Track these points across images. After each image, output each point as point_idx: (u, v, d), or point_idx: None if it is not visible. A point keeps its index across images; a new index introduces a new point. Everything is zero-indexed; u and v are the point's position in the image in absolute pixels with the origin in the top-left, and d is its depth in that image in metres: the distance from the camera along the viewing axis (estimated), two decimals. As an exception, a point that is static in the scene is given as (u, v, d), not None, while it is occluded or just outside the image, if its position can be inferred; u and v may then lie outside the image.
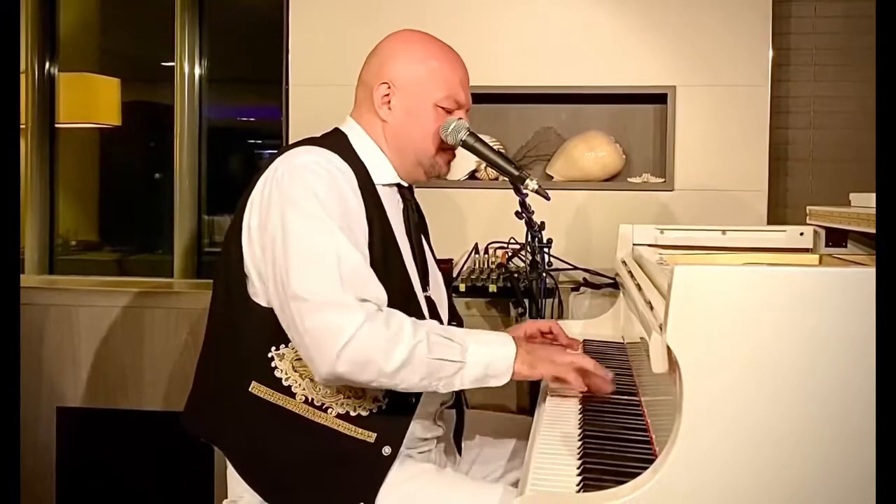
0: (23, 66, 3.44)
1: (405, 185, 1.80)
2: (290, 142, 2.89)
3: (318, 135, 1.77)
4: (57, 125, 3.56)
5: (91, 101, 3.62)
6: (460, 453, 1.83)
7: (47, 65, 3.53)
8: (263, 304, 1.59)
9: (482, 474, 1.85)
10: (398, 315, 1.52)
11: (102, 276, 3.40)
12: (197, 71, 3.43)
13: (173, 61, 3.38)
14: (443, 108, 1.74)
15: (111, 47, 3.81)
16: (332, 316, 1.46)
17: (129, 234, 3.78)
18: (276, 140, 3.31)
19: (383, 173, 1.74)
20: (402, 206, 1.79)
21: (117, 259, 3.69)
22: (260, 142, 3.79)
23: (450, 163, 1.82)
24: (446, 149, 1.78)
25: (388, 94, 1.73)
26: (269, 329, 1.57)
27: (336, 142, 1.70)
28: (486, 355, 1.54)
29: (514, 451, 1.87)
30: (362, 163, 1.69)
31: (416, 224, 1.81)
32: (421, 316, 1.67)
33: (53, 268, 3.52)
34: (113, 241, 3.78)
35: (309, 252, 1.50)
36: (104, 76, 3.67)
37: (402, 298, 1.62)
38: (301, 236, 1.51)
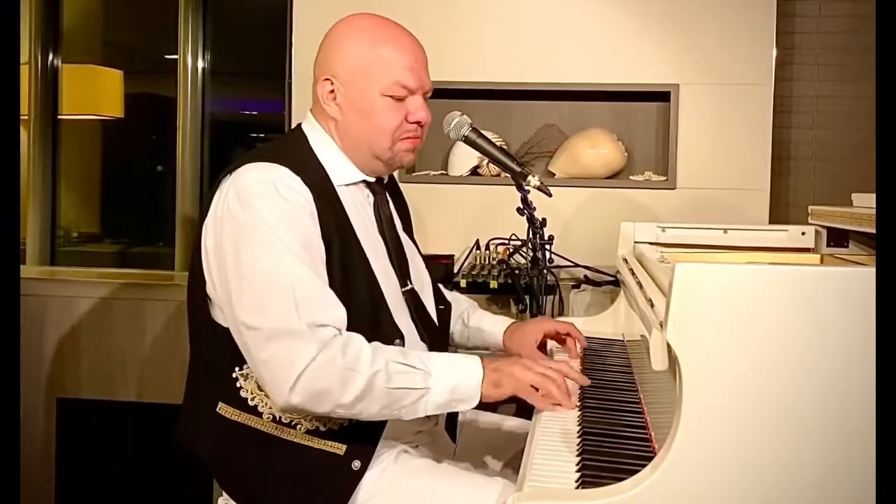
0: (26, 57, 3.44)
1: (371, 179, 1.72)
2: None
3: (283, 134, 1.73)
4: (60, 116, 3.56)
5: (94, 93, 3.62)
6: (454, 440, 1.83)
7: (51, 56, 3.53)
8: (225, 325, 1.56)
9: (480, 472, 1.85)
10: (356, 341, 1.47)
11: (103, 268, 3.41)
12: (200, 64, 3.43)
13: (177, 54, 3.38)
14: (391, 96, 1.63)
15: (115, 39, 3.81)
16: (284, 346, 1.42)
17: (131, 226, 3.79)
18: (278, 134, 3.31)
19: (344, 173, 1.66)
20: (371, 201, 1.72)
21: (118, 251, 3.69)
22: (262, 135, 3.79)
23: (415, 150, 1.70)
24: (406, 138, 1.67)
25: (332, 91, 1.64)
26: (232, 349, 1.53)
27: (294, 146, 1.65)
28: (450, 380, 1.49)
29: (513, 451, 1.86)
30: (321, 165, 1.63)
31: (389, 218, 1.74)
32: (391, 321, 1.62)
33: (55, 259, 3.52)
34: (114, 232, 3.79)
35: (262, 280, 1.46)
36: (107, 68, 3.67)
37: (368, 306, 1.58)
38: (253, 264, 1.46)
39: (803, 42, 3.06)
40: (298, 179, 1.54)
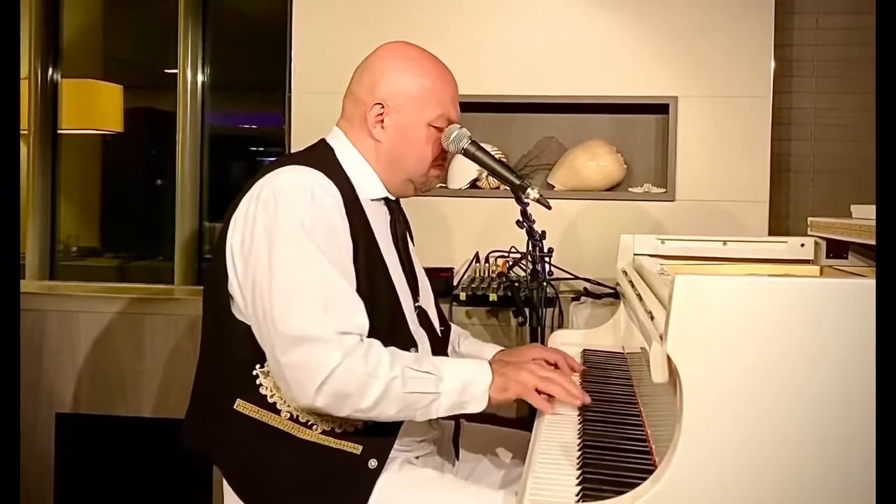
0: (26, 72, 3.45)
1: (392, 198, 1.79)
2: (292, 150, 2.90)
3: (305, 147, 1.76)
4: (59, 131, 3.57)
5: (94, 108, 3.63)
6: (458, 457, 1.83)
7: (50, 70, 3.54)
8: (247, 322, 1.58)
9: (482, 484, 1.85)
10: (376, 348, 1.53)
11: (103, 282, 3.40)
12: (199, 78, 3.44)
13: (176, 68, 3.39)
14: (436, 127, 1.72)
15: (114, 54, 3.82)
16: (311, 352, 1.47)
17: (130, 240, 3.78)
18: (278, 147, 3.32)
19: (370, 188, 1.73)
20: (389, 219, 1.78)
21: (118, 265, 3.69)
22: (262, 149, 3.80)
23: (439, 177, 1.82)
24: (437, 165, 1.77)
25: (381, 114, 1.71)
26: (254, 347, 1.57)
27: (322, 157, 1.69)
28: (460, 383, 1.56)
29: (513, 464, 1.86)
30: (348, 178, 1.68)
31: (404, 236, 1.81)
32: (407, 330, 1.68)
33: (54, 273, 3.52)
34: (114, 247, 3.78)
35: (292, 283, 1.50)
36: (107, 82, 3.68)
37: (388, 314, 1.62)
38: (285, 265, 1.51)
39: (802, 55, 3.07)
40: (332, 183, 1.60)
